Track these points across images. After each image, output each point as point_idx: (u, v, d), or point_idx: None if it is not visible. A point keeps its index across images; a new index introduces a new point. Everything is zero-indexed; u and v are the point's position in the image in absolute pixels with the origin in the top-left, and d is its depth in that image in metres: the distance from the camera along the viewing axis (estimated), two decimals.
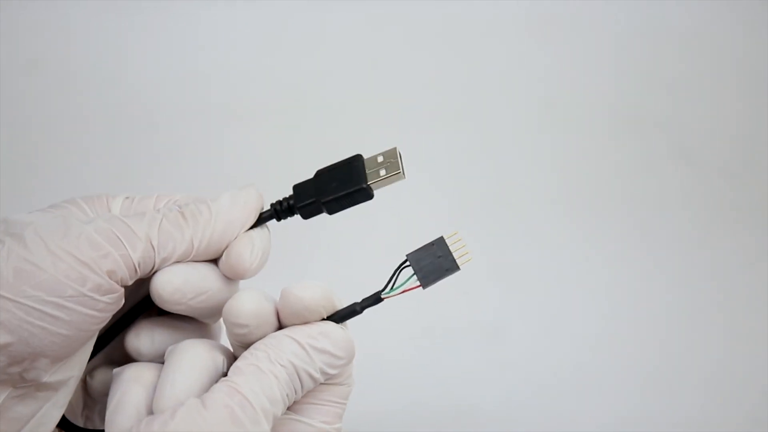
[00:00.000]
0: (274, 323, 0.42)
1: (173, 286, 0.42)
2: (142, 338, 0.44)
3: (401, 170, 0.45)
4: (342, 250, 0.82)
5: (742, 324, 0.80)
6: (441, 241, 0.43)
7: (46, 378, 0.40)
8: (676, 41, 0.93)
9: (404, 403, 0.75)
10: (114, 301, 0.41)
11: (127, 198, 0.45)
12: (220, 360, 0.42)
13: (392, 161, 0.45)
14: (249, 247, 0.43)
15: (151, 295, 0.42)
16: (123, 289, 0.41)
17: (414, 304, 0.79)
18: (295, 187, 0.46)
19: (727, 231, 0.85)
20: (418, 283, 0.43)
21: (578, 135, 0.90)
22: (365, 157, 0.46)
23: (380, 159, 0.45)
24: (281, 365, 0.40)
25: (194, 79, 0.91)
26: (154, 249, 0.41)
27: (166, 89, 0.90)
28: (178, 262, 0.43)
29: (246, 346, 0.42)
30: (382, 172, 0.45)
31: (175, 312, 0.43)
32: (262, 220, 0.45)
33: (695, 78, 0.92)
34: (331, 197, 0.45)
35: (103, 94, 0.89)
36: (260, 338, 0.42)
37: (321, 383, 0.43)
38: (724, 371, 0.77)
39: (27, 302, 0.38)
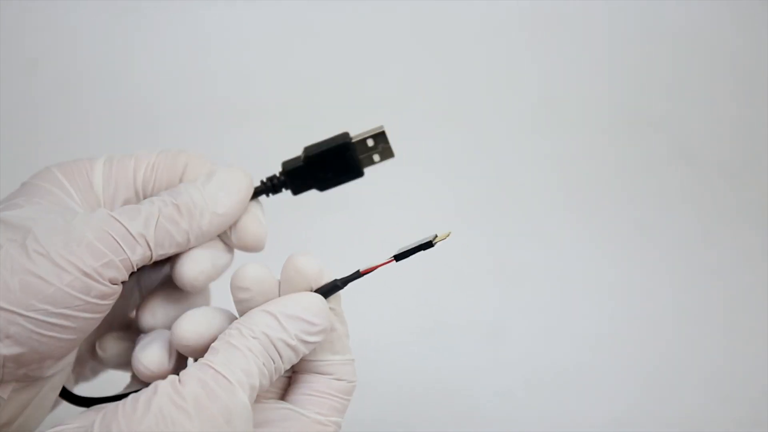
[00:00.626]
0: (276, 294, 0.44)
1: (206, 276, 0.45)
2: (158, 316, 0.47)
3: (394, 153, 0.47)
4: (340, 250, 0.82)
5: (742, 324, 0.80)
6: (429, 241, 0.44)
7: (49, 373, 0.42)
8: (677, 41, 0.93)
9: (403, 403, 0.75)
10: (114, 300, 0.42)
11: (106, 162, 0.45)
12: (231, 317, 0.44)
13: (384, 146, 0.47)
14: (257, 225, 0.46)
15: (180, 283, 0.45)
16: (122, 287, 0.42)
17: (414, 304, 0.80)
18: (288, 173, 0.47)
19: (729, 231, 0.85)
20: (392, 257, 0.44)
21: (578, 135, 0.90)
22: (353, 136, 0.47)
23: (371, 143, 0.47)
24: (254, 337, 0.41)
25: (196, 79, 0.91)
26: (151, 249, 0.42)
27: (168, 89, 0.90)
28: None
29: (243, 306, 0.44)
30: (376, 158, 0.47)
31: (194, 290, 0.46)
32: (256, 193, 0.47)
33: (696, 78, 0.92)
34: (329, 186, 0.47)
35: (104, 94, 0.90)
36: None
37: (318, 374, 0.44)
38: (724, 371, 0.77)
39: (36, 315, 0.40)
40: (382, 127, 0.47)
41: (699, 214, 0.86)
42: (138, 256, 0.42)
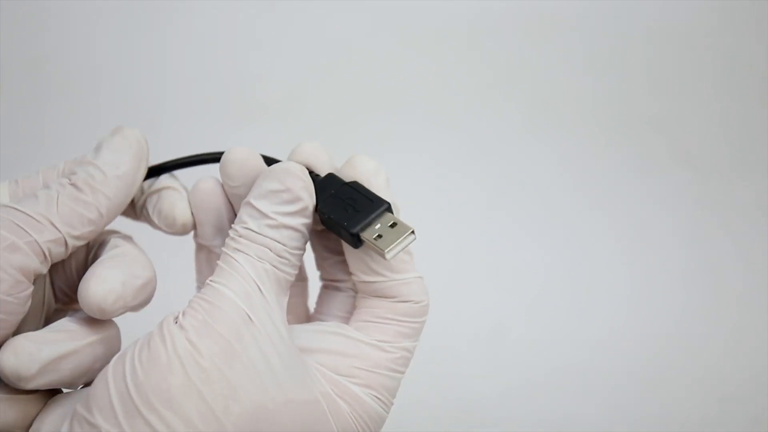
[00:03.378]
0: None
1: (116, 296, 0.38)
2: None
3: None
4: None
5: (742, 324, 0.80)
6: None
7: None
8: (676, 41, 0.93)
9: (404, 403, 0.75)
10: (28, 296, 0.38)
11: (12, 181, 0.42)
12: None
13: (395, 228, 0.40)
14: (177, 196, 0.42)
15: (86, 309, 0.38)
16: (32, 287, 0.38)
17: None
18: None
19: (729, 231, 0.85)
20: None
21: (576, 135, 0.90)
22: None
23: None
24: (239, 236, 0.38)
25: (201, 78, 0.90)
26: (60, 230, 0.38)
27: (173, 88, 0.90)
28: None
29: (237, 199, 0.41)
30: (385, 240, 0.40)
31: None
32: (168, 168, 0.43)
33: (695, 78, 0.92)
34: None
35: (106, 93, 0.89)
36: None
37: (378, 297, 0.40)
38: (724, 371, 0.77)
39: None
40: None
41: (699, 214, 0.86)
42: (46, 237, 0.37)
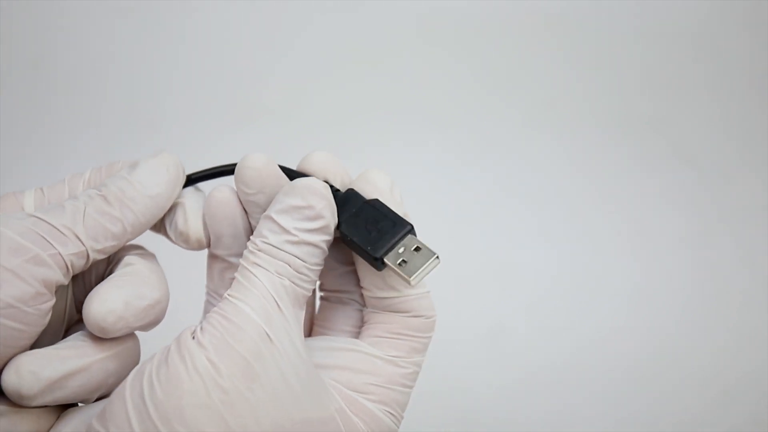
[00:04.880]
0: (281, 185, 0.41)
1: (116, 317, 0.37)
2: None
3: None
4: None
5: (742, 324, 0.80)
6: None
7: None
8: (675, 40, 0.93)
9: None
10: (50, 307, 0.37)
11: (38, 189, 0.42)
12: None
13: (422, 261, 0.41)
14: (192, 212, 0.42)
15: (89, 326, 0.37)
16: (54, 299, 0.38)
17: None
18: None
19: (729, 231, 0.85)
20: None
21: (576, 134, 0.90)
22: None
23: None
24: (259, 251, 0.38)
25: (202, 79, 0.90)
26: (83, 243, 0.38)
27: (173, 89, 0.89)
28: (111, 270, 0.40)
29: (253, 207, 0.41)
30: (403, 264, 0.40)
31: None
32: (191, 181, 0.43)
33: (695, 77, 0.92)
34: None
35: (105, 94, 0.89)
36: (267, 200, 0.40)
37: (392, 312, 0.41)
38: (724, 371, 0.78)
39: None
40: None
41: (699, 214, 0.86)
42: (70, 250, 0.37)
